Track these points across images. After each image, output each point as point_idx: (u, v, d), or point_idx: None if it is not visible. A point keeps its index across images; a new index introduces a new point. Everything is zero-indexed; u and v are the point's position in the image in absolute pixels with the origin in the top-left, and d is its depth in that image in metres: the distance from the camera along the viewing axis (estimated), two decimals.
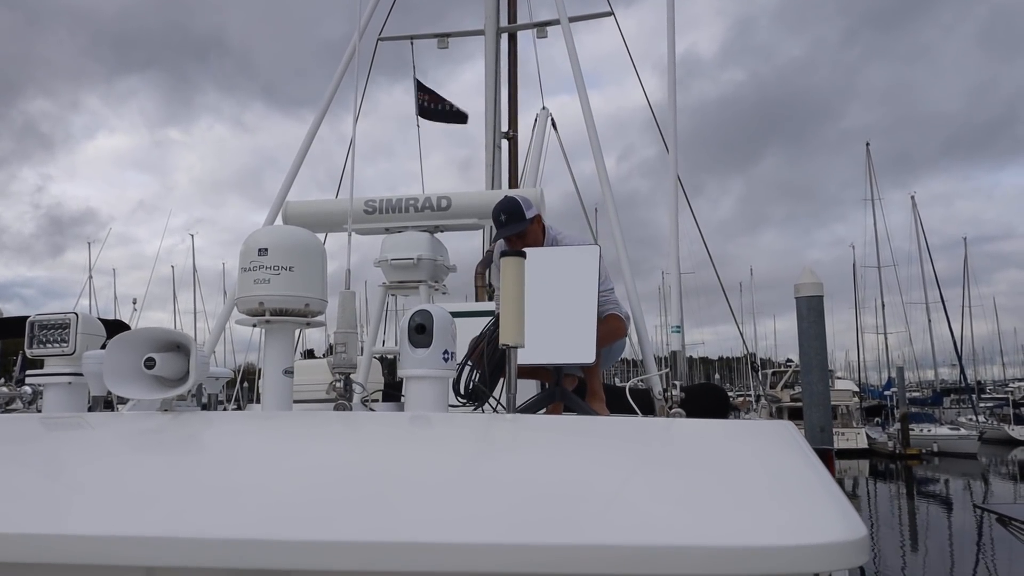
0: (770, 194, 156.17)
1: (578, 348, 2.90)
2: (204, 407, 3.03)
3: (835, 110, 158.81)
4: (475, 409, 2.92)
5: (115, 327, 2.42)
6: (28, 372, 2.45)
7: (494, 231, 3.75)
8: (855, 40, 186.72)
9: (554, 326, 2.82)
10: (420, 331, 2.09)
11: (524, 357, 2.28)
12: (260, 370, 2.26)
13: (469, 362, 2.99)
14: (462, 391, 2.90)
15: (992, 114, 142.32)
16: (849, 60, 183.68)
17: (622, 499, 1.24)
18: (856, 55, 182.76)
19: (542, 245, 3.52)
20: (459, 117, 7.87)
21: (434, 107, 7.79)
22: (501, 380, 2.25)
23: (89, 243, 42.63)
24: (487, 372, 2.91)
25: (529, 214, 3.48)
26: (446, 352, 2.12)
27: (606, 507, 1.20)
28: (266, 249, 2.13)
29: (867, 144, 48.06)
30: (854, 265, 47.56)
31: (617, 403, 3.48)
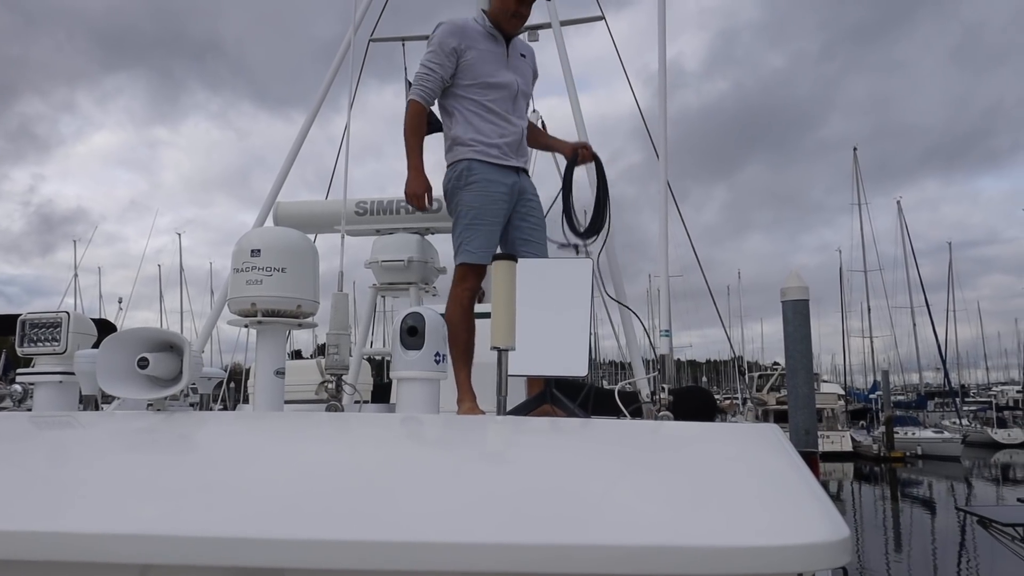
0: (755, 200, 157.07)
1: (571, 361, 2.93)
2: (193, 406, 3.03)
3: (816, 120, 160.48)
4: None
5: (101, 326, 2.42)
6: (19, 371, 2.44)
7: None
8: (834, 53, 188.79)
9: (546, 338, 2.84)
10: (412, 333, 2.10)
11: (516, 368, 2.30)
12: (247, 370, 2.27)
13: None
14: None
15: (968, 127, 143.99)
16: (829, 73, 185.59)
17: (610, 500, 1.25)
18: (835, 68, 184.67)
19: None
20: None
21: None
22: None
23: (75, 241, 42.36)
24: None
25: None
26: (438, 354, 2.13)
27: (594, 507, 1.21)
28: (259, 250, 2.14)
29: (854, 149, 48.20)
30: (840, 269, 47.77)
31: (606, 405, 3.50)
